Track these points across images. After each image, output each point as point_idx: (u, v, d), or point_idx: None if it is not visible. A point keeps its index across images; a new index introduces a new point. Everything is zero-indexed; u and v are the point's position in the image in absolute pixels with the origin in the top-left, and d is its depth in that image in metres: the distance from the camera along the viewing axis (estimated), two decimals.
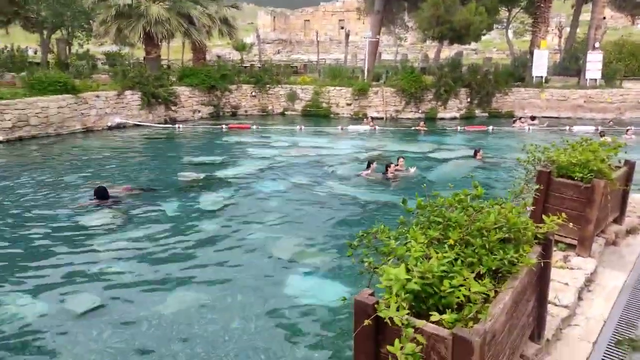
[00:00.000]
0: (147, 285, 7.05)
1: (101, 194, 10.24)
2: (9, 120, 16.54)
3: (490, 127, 21.29)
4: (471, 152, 15.09)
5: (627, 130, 18.73)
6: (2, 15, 28.14)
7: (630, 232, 6.01)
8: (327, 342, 5.69)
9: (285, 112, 25.59)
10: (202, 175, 12.54)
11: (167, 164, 13.98)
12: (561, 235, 5.03)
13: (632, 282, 4.74)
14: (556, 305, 3.94)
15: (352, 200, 11.04)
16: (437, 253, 2.44)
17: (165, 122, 21.53)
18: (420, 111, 24.47)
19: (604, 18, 26.98)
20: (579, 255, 4.95)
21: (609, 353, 3.61)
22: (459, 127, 21.68)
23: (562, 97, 24.37)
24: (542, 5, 24.67)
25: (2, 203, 10.53)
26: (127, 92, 20.52)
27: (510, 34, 39.34)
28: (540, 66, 25.00)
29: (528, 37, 37.07)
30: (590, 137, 5.72)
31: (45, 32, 30.92)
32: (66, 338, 5.76)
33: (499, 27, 39.40)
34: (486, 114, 24.55)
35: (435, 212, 2.83)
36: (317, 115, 24.63)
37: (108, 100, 19.81)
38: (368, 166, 12.78)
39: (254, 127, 20.86)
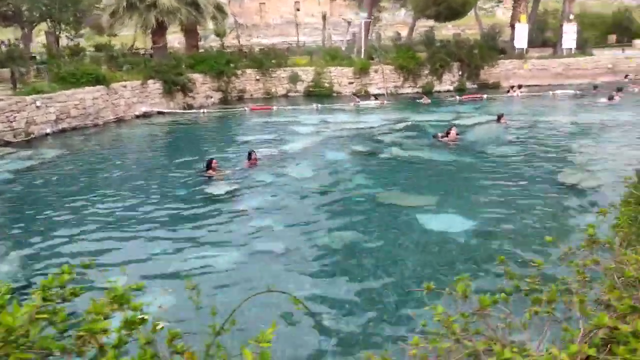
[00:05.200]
0: (296, 229, 8.49)
1: (208, 165, 11.47)
2: (53, 112, 16.99)
3: (485, 96, 23.82)
4: (493, 118, 17.07)
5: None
6: None
7: None
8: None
9: (289, 94, 26.72)
10: (275, 151, 13.80)
11: (227, 145, 15.08)
12: None
13: None
14: None
15: (421, 160, 12.75)
16: None
17: (184, 109, 22.28)
18: (417, 86, 26.36)
19: None
20: None
21: None
22: (457, 97, 23.83)
23: (542, 67, 26.92)
24: None
25: (112, 186, 11.50)
26: (150, 82, 21.15)
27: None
28: (521, 39, 27.38)
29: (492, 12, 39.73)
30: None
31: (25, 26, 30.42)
32: (269, 275, 7.03)
33: None
34: (476, 86, 26.77)
35: None
36: (320, 95, 25.82)
37: (134, 89, 20.40)
38: (447, 134, 14.41)
39: (275, 108, 22.04)
